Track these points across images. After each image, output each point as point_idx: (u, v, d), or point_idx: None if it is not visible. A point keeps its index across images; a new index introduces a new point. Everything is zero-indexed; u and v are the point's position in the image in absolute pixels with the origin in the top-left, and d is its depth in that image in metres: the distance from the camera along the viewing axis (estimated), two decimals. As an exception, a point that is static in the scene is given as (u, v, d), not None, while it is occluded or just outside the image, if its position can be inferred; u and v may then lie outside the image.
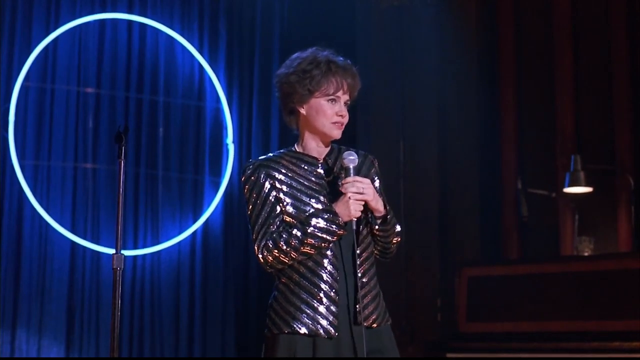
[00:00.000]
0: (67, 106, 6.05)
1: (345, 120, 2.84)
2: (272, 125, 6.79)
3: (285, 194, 2.79)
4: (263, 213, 2.79)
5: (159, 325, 6.19)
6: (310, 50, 2.91)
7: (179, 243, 6.31)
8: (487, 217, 6.82)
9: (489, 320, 5.56)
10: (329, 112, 2.81)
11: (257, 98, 6.78)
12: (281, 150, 2.91)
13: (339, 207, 2.73)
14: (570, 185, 6.03)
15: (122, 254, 3.02)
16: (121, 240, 3.04)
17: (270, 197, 2.80)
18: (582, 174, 5.98)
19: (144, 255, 6.19)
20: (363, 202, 2.74)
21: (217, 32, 6.67)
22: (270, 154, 2.90)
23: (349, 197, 2.72)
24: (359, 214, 2.74)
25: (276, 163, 2.84)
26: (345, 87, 2.82)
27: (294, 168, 2.83)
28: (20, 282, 5.77)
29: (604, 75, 6.51)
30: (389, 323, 2.86)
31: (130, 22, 6.33)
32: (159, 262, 6.24)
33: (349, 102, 2.86)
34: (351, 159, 2.78)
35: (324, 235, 2.73)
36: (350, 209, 2.72)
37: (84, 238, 5.97)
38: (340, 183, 2.79)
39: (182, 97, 6.48)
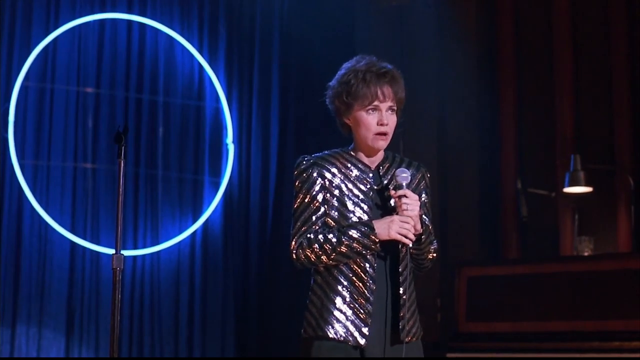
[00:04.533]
0: (66, 106, 6.05)
1: (389, 128, 2.84)
2: (272, 125, 6.79)
3: (333, 196, 2.83)
4: (307, 211, 2.83)
5: (159, 325, 6.19)
6: (355, 58, 2.90)
7: (179, 243, 6.31)
8: (487, 217, 6.82)
9: (489, 320, 5.56)
10: (370, 123, 2.82)
11: (257, 98, 6.78)
12: (336, 150, 2.93)
13: (379, 224, 2.76)
14: (570, 185, 6.03)
15: (122, 254, 3.02)
16: (121, 240, 3.04)
17: (318, 197, 2.83)
18: (582, 174, 5.98)
19: (144, 256, 6.19)
20: (406, 226, 2.76)
21: (217, 32, 6.67)
22: (326, 152, 2.92)
23: (394, 219, 2.75)
24: (397, 236, 2.75)
25: (330, 163, 2.87)
26: (382, 96, 2.81)
27: (346, 172, 2.86)
28: (20, 282, 5.77)
29: (604, 75, 6.51)
30: (420, 337, 2.89)
31: (129, 22, 6.33)
32: (159, 263, 6.24)
33: (394, 107, 2.85)
34: (404, 176, 2.81)
35: (357, 247, 2.76)
36: (390, 229, 2.75)
37: (84, 238, 5.97)
38: (391, 193, 2.82)
39: (182, 97, 6.48)
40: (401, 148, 6.65)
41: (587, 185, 6.02)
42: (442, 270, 6.56)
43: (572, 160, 6.04)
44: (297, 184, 2.86)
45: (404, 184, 2.80)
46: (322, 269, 2.82)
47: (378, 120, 2.82)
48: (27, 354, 5.72)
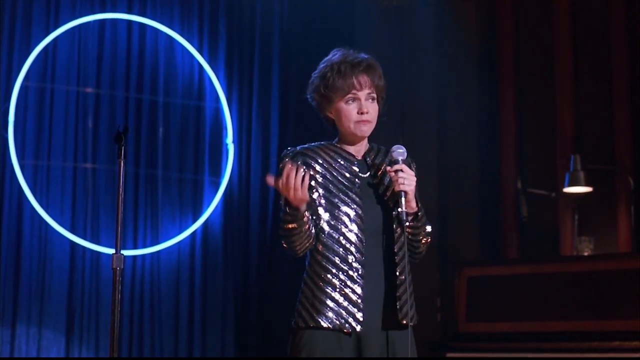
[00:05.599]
0: (66, 106, 6.05)
1: (370, 116, 2.84)
2: (272, 125, 6.79)
3: (318, 183, 2.83)
4: None
5: (159, 325, 6.19)
6: (332, 52, 2.94)
7: (179, 243, 6.31)
8: (487, 217, 6.82)
9: (489, 320, 5.56)
10: (351, 113, 2.83)
11: (257, 98, 6.78)
12: (321, 142, 2.94)
13: None
14: (570, 185, 6.03)
15: (122, 254, 3.02)
16: (121, 240, 3.04)
17: None
18: (582, 174, 5.98)
19: (144, 255, 6.19)
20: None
21: (217, 32, 6.67)
22: (312, 144, 2.93)
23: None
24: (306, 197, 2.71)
25: (315, 153, 2.88)
26: (358, 85, 2.83)
27: (331, 161, 2.87)
28: (20, 282, 5.77)
29: (604, 75, 6.51)
30: (415, 323, 2.88)
31: (130, 22, 6.32)
32: (159, 262, 6.24)
33: (373, 95, 2.86)
34: (400, 152, 2.82)
35: (283, 220, 2.76)
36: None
37: (84, 238, 5.97)
38: (387, 169, 2.82)
39: (182, 97, 6.48)
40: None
41: (587, 185, 6.02)
42: (442, 270, 6.56)
43: (572, 160, 6.04)
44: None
45: (400, 159, 2.80)
46: (311, 259, 2.82)
47: (358, 109, 2.83)
48: (27, 354, 5.72)
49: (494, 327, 5.52)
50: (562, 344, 5.20)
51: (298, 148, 2.90)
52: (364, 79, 2.83)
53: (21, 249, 5.80)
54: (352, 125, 2.84)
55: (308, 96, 2.95)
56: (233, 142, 6.59)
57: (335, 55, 2.90)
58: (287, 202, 2.72)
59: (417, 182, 2.87)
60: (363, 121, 2.83)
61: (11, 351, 5.68)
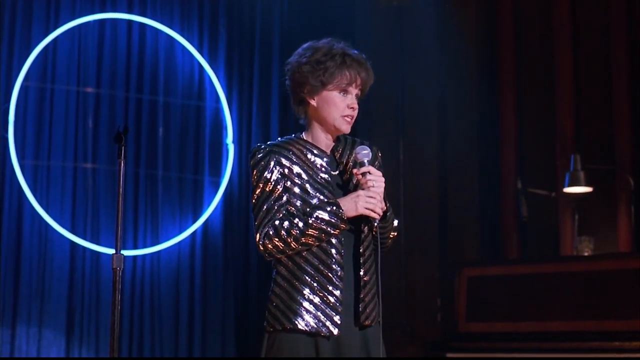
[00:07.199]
0: (66, 106, 6.05)
1: (356, 113, 2.82)
2: (272, 125, 6.79)
3: (293, 183, 2.78)
4: (269, 200, 2.77)
5: (159, 325, 6.19)
6: (325, 40, 2.85)
7: (179, 243, 6.31)
8: (487, 217, 6.82)
9: (489, 320, 5.56)
10: (341, 104, 2.79)
11: (257, 98, 6.78)
12: (290, 137, 2.89)
13: (344, 201, 2.72)
14: (570, 185, 6.02)
15: (122, 254, 3.02)
16: (121, 240, 3.03)
17: (279, 186, 2.78)
18: (582, 174, 5.98)
19: (144, 256, 6.19)
20: (372, 200, 2.71)
21: (217, 32, 6.67)
22: (280, 139, 2.88)
23: (359, 194, 2.71)
24: (365, 211, 2.71)
25: (287, 150, 2.82)
26: (359, 81, 2.80)
27: (304, 158, 2.82)
28: (20, 282, 5.77)
29: (604, 76, 6.50)
30: (379, 323, 2.83)
31: (130, 22, 6.33)
32: (159, 262, 6.24)
33: (359, 96, 2.84)
34: (364, 153, 2.79)
35: (326, 227, 2.71)
36: (357, 205, 2.71)
37: (84, 238, 5.97)
38: (354, 172, 2.78)
39: (182, 97, 6.48)
40: (401, 148, 6.65)
41: (587, 185, 6.02)
42: (442, 270, 6.56)
43: (572, 160, 6.04)
44: (254, 173, 2.80)
45: (365, 160, 2.78)
46: (285, 259, 2.76)
47: (349, 103, 2.80)
48: (27, 354, 5.72)
49: (494, 327, 5.52)
50: (562, 344, 5.20)
51: (269, 145, 2.84)
52: (363, 78, 2.81)
53: (21, 249, 5.81)
54: (337, 117, 2.80)
55: (289, 75, 2.85)
56: (233, 142, 6.59)
57: (337, 45, 2.81)
58: (339, 207, 2.70)
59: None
60: (349, 116, 2.80)
61: (11, 351, 5.68)
